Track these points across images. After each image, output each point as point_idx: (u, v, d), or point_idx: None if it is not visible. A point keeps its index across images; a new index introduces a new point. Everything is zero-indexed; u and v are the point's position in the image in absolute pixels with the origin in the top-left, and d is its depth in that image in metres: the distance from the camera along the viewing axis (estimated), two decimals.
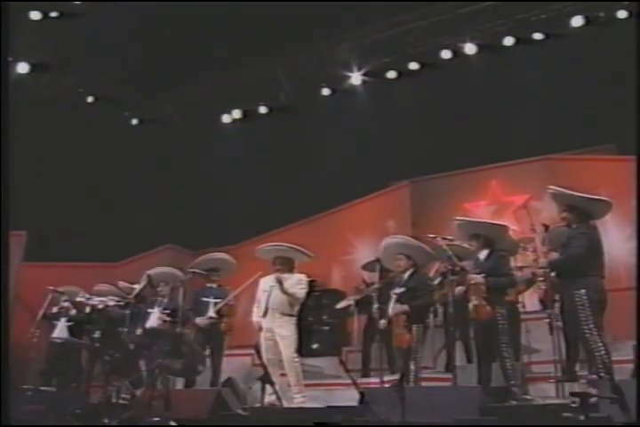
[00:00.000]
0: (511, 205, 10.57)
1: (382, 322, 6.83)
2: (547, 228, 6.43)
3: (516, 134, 10.53)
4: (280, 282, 7.12)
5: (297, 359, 7.02)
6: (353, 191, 11.25)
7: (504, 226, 6.94)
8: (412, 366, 6.48)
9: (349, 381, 8.19)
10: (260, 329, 7.16)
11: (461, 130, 11.02)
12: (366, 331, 8.74)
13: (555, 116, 10.29)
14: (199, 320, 7.82)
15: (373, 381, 7.88)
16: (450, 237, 6.78)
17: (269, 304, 7.10)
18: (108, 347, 7.14)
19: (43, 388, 7.20)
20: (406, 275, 6.83)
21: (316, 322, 9.99)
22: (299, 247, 7.37)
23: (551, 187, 6.33)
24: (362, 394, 4.91)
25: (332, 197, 11.41)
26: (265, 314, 7.12)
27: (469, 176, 10.82)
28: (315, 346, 9.95)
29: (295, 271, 7.30)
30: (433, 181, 11.07)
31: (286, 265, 7.24)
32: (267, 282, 7.28)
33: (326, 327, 10.06)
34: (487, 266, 6.40)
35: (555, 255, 6.11)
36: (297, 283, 7.18)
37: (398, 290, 6.74)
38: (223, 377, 8.15)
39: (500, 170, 10.62)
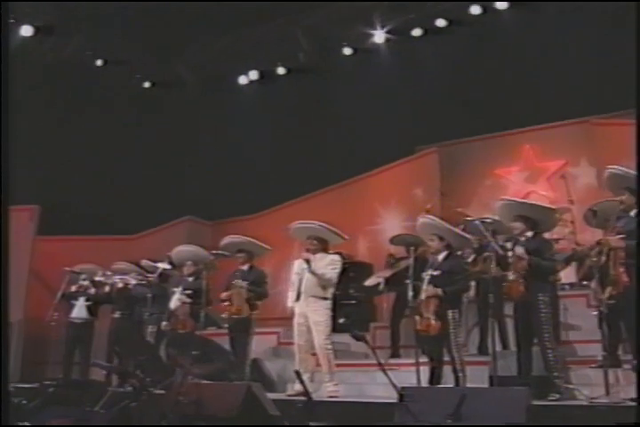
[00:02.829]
0: (545, 172, 10.33)
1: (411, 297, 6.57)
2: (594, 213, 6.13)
3: (551, 95, 10.10)
4: (309, 262, 6.91)
5: (330, 346, 6.90)
6: (378, 157, 10.94)
7: (554, 210, 6.65)
8: (456, 354, 6.27)
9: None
10: (293, 314, 6.97)
11: (492, 91, 10.56)
12: (395, 308, 8.56)
13: (594, 75, 9.83)
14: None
15: (404, 362, 7.85)
16: (488, 219, 6.47)
17: (302, 288, 6.91)
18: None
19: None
20: (441, 257, 6.58)
21: (343, 296, 9.78)
22: (332, 228, 7.13)
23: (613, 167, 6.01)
24: (401, 396, 4.75)
25: (355, 164, 11.12)
26: (298, 298, 6.93)
27: (501, 140, 10.56)
28: (341, 321, 9.75)
29: (330, 251, 7.05)
30: (462, 146, 10.80)
31: (319, 245, 7.02)
32: (299, 264, 7.08)
33: (353, 302, 9.89)
34: (531, 247, 6.15)
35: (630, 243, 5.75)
36: (328, 263, 6.96)
37: (433, 272, 6.51)
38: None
39: (533, 133, 10.30)
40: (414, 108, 11.07)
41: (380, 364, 4.66)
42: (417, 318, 6.39)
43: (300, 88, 12.12)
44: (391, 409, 5.11)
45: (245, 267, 7.77)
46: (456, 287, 6.41)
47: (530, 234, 6.20)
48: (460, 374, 6.25)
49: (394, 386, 4.75)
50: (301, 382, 4.83)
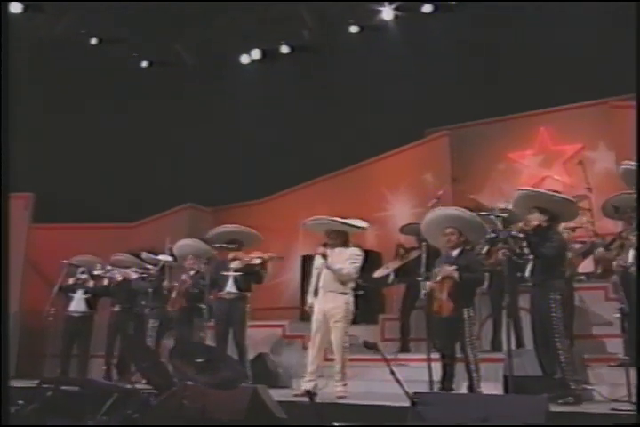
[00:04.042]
0: (561, 156, 10.22)
1: (428, 284, 6.34)
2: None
3: (568, 75, 9.91)
4: (325, 257, 6.79)
5: (347, 344, 6.79)
6: (386, 141, 10.79)
7: (574, 203, 6.51)
8: (470, 352, 6.14)
9: (389, 356, 8.25)
10: (311, 308, 6.86)
11: (506, 71, 10.44)
12: (405, 300, 8.48)
13: (614, 54, 9.62)
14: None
15: (415, 357, 7.79)
16: (504, 213, 6.32)
17: (320, 283, 6.79)
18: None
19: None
20: (455, 252, 6.45)
21: None
22: (347, 221, 6.94)
23: None
24: (413, 402, 4.67)
25: (362, 148, 10.98)
26: (316, 293, 6.83)
27: (515, 123, 10.43)
28: None
29: (350, 244, 6.91)
30: (474, 129, 10.67)
31: (338, 239, 6.84)
32: (318, 259, 6.90)
33: (361, 292, 9.78)
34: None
35: None
36: (347, 258, 6.77)
37: (448, 268, 6.37)
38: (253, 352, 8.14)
39: (549, 116, 10.18)
40: (424, 88, 10.90)
41: (392, 372, 4.58)
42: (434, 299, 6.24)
43: (304, 68, 11.96)
44: (403, 412, 5.05)
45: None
46: (474, 276, 6.23)
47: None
48: (475, 375, 6.14)
49: (406, 394, 4.67)
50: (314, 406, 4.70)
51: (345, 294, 6.77)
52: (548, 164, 10.26)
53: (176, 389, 4.74)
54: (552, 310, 5.80)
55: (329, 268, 6.72)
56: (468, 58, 10.78)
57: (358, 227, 6.99)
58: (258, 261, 7.55)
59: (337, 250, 6.82)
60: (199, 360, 4.41)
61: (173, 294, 7.82)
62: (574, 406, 5.43)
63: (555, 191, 7.66)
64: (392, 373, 4.70)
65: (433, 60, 10.98)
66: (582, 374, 6.18)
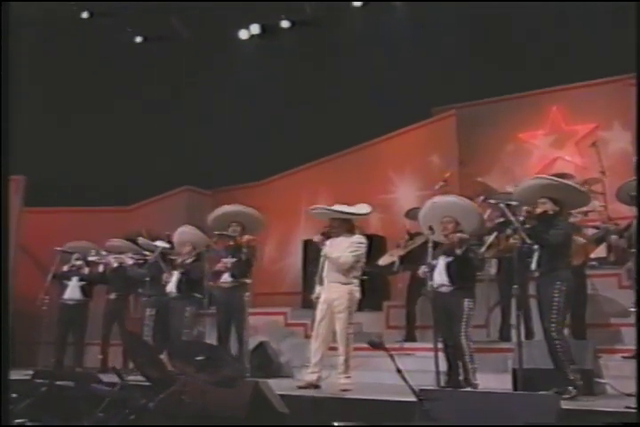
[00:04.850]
0: (574, 136, 10.07)
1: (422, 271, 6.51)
2: None
3: (582, 51, 9.70)
4: (323, 245, 6.71)
5: (351, 335, 6.76)
6: (391, 120, 10.66)
7: (588, 194, 6.45)
8: (464, 342, 6.20)
9: (392, 345, 8.23)
10: (318, 299, 6.81)
11: (517, 46, 10.20)
12: (411, 287, 8.43)
13: (630, 28, 9.43)
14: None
15: (421, 346, 7.79)
16: (513, 202, 6.24)
17: (324, 273, 6.75)
18: None
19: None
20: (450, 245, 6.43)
21: None
22: (351, 209, 6.83)
23: None
24: (420, 399, 4.64)
25: (366, 128, 10.82)
26: (321, 282, 6.78)
27: (525, 101, 10.24)
28: None
29: (356, 231, 6.83)
30: (483, 108, 10.50)
31: (341, 227, 6.75)
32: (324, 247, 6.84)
33: (365, 277, 9.74)
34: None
35: None
36: (348, 246, 6.70)
37: (447, 259, 6.37)
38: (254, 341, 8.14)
39: (562, 93, 10.02)
40: (430, 65, 10.72)
41: (398, 370, 4.53)
42: None
43: (305, 43, 11.78)
44: (411, 408, 5.03)
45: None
46: (472, 284, 6.36)
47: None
48: (470, 367, 6.18)
49: (413, 391, 4.63)
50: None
51: (347, 284, 6.71)
52: (560, 144, 10.11)
53: (175, 387, 4.72)
54: (554, 299, 5.77)
55: (327, 256, 6.69)
56: (478, 32, 10.54)
57: (360, 214, 6.92)
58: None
59: (340, 238, 6.74)
60: (199, 358, 4.40)
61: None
62: (586, 402, 5.38)
63: (569, 175, 7.65)
64: (398, 371, 4.67)
65: (440, 34, 10.74)
66: (594, 366, 6.11)
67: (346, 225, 6.78)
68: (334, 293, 6.69)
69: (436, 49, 10.78)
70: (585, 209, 7.59)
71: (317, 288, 6.84)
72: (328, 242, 6.72)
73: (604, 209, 8.09)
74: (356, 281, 6.79)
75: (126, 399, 4.58)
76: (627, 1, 8.15)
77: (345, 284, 6.71)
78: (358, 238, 6.78)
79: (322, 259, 6.80)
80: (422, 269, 6.52)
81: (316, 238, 6.80)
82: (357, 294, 6.78)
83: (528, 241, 5.81)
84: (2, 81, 5.54)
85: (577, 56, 9.79)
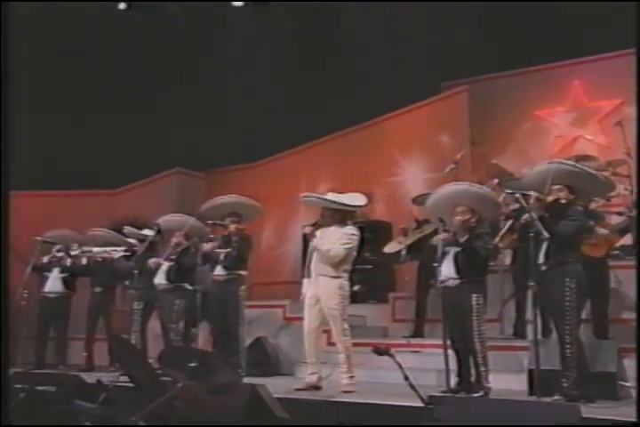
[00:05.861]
0: (597, 113, 9.86)
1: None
2: None
3: (606, 19, 9.32)
4: (313, 236, 6.48)
5: (348, 332, 6.53)
6: (397, 96, 10.39)
7: (612, 184, 6.16)
8: (478, 345, 5.92)
9: (399, 341, 8.04)
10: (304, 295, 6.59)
11: (534, 15, 9.86)
12: (420, 278, 8.16)
13: None
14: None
15: (429, 343, 7.54)
16: (530, 192, 5.93)
17: (312, 265, 6.51)
18: None
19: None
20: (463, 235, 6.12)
21: (357, 260, 9.44)
22: (343, 200, 6.57)
23: None
24: (426, 404, 4.43)
25: (371, 105, 10.56)
26: (309, 275, 6.55)
27: (544, 75, 10.07)
28: (355, 288, 9.41)
29: (349, 222, 6.59)
30: (497, 82, 10.35)
31: (333, 217, 6.53)
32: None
33: (369, 266, 9.53)
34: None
35: None
36: (339, 238, 6.46)
37: (454, 249, 6.08)
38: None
39: (584, 66, 9.86)
40: (440, 36, 10.41)
41: (406, 378, 4.31)
42: None
43: (305, 17, 11.50)
44: (418, 413, 4.83)
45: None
46: (481, 277, 6.05)
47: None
48: (482, 369, 5.92)
49: (420, 398, 4.41)
50: None
51: (337, 277, 6.48)
52: (582, 122, 9.90)
53: (164, 398, 4.53)
54: (566, 299, 5.52)
55: (315, 248, 6.46)
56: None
57: (353, 206, 6.67)
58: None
59: (331, 229, 6.52)
60: (191, 365, 4.26)
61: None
62: (608, 409, 5.13)
63: (591, 158, 7.35)
64: (406, 378, 4.48)
65: (451, 4, 10.40)
66: (618, 368, 5.82)
67: (338, 215, 6.55)
68: (323, 287, 6.46)
69: (447, 19, 10.45)
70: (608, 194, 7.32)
71: (305, 282, 6.60)
72: (318, 233, 6.48)
73: (629, 194, 7.78)
74: (346, 275, 6.58)
75: (112, 417, 4.40)
76: (627, 1, 7.87)
77: (334, 277, 6.48)
78: (351, 230, 6.55)
79: (310, 250, 6.57)
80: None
81: (307, 230, 6.54)
82: (347, 289, 6.57)
83: (546, 235, 5.52)
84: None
85: (601, 24, 9.44)
